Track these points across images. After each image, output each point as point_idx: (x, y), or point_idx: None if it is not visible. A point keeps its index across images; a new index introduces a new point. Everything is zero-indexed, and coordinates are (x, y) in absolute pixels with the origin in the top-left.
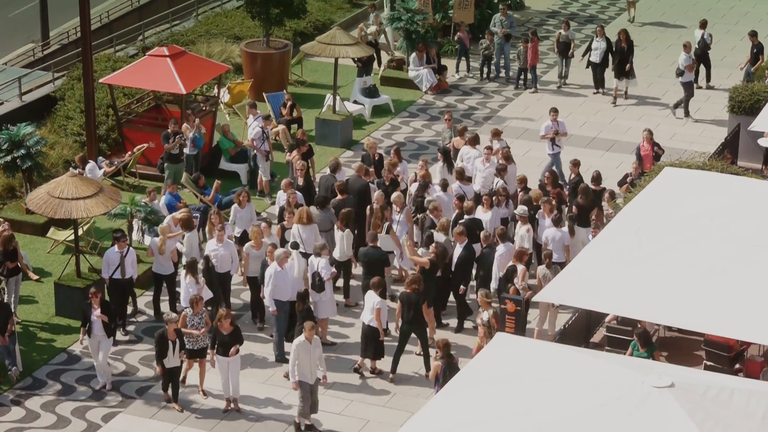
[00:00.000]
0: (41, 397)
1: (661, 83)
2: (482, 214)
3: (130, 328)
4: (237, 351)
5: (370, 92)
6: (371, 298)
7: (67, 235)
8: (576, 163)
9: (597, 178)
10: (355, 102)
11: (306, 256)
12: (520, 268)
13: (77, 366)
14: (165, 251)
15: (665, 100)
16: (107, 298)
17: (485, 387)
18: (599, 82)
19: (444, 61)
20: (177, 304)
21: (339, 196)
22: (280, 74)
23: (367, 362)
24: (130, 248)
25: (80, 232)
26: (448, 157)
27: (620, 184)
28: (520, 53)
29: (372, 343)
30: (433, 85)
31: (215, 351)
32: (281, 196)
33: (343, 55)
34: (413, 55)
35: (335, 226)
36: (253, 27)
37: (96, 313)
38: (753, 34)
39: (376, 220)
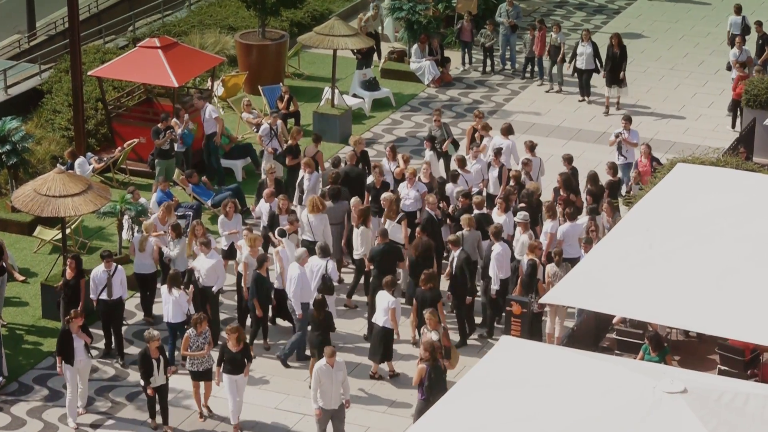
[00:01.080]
0: (27, 403)
1: (672, 76)
2: (497, 217)
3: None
4: (248, 371)
5: (370, 85)
6: (384, 298)
7: (54, 234)
8: (567, 158)
9: (613, 168)
10: (355, 95)
11: (312, 244)
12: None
13: None
14: (145, 249)
15: (677, 93)
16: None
17: (490, 392)
18: (585, 89)
19: (447, 53)
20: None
21: (330, 186)
22: (276, 66)
23: (371, 364)
24: (118, 267)
25: (68, 231)
26: (435, 145)
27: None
28: (526, 42)
29: (382, 345)
30: (435, 78)
31: (222, 369)
32: (263, 206)
33: (341, 46)
34: (415, 46)
35: (353, 223)
36: (249, 17)
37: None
38: (758, 24)
39: (390, 212)
